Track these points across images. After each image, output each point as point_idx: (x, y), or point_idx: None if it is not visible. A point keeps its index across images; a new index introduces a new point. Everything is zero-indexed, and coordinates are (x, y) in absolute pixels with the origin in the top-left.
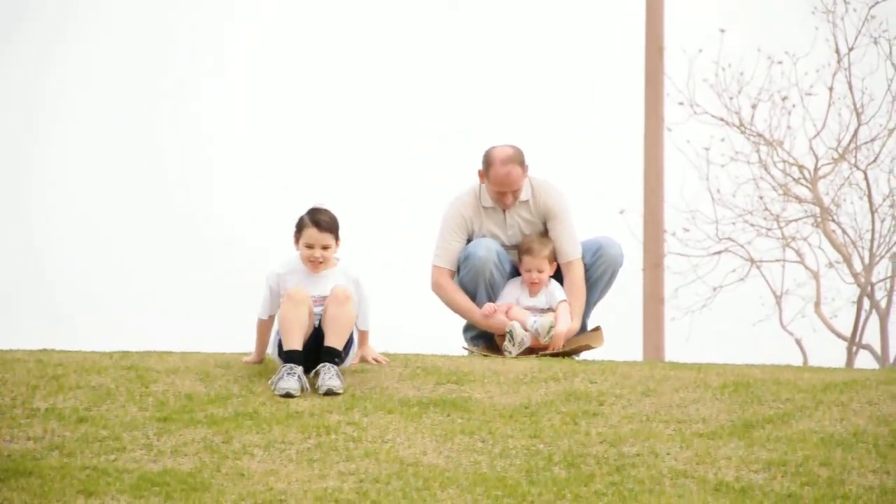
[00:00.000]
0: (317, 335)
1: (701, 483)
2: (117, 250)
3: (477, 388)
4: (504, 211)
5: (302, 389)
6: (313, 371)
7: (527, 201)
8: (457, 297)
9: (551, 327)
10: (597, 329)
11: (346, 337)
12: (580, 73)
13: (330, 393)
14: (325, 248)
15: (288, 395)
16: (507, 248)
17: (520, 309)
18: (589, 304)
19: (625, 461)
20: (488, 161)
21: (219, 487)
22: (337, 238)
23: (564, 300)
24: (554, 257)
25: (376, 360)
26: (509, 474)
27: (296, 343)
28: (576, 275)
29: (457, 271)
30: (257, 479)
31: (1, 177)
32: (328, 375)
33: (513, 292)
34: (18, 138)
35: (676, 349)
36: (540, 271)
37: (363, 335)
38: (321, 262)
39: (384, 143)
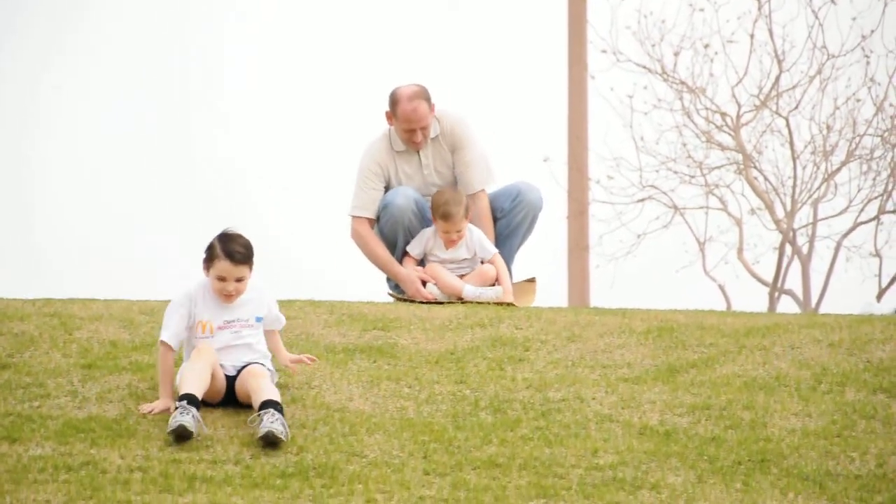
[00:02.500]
0: (229, 390)
1: (626, 427)
2: (116, 252)
3: (403, 334)
4: (418, 152)
5: (199, 429)
6: (255, 415)
7: (436, 137)
8: (376, 248)
9: (499, 301)
10: (531, 280)
11: (275, 389)
12: (502, 22)
13: (270, 438)
14: (238, 280)
15: (182, 431)
16: (428, 188)
17: (444, 272)
18: (511, 250)
19: (550, 406)
20: (394, 100)
21: (144, 433)
22: (251, 266)
23: (496, 252)
24: (468, 210)
25: (309, 360)
26: (436, 420)
27: (194, 388)
28: (483, 206)
29: (377, 220)
30: None
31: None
32: (272, 419)
33: (426, 243)
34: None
35: (601, 296)
36: (458, 231)
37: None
38: (234, 295)
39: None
